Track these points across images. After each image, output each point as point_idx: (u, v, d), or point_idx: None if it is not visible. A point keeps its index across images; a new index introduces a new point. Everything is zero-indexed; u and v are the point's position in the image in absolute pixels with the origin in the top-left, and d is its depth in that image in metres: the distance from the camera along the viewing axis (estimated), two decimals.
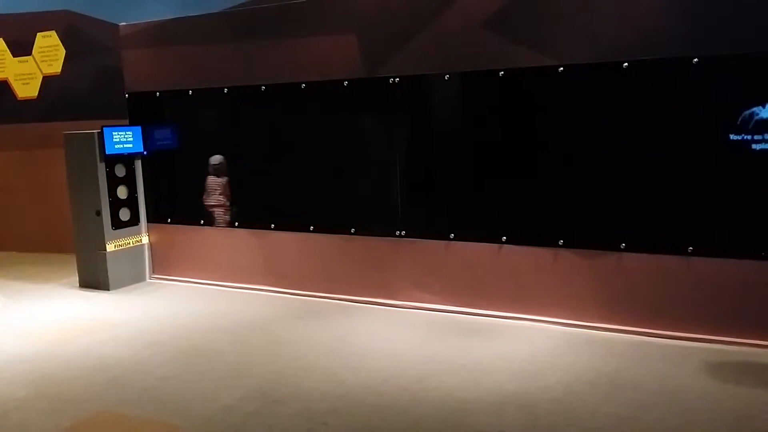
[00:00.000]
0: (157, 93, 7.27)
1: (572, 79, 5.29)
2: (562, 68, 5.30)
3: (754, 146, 4.76)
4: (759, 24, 4.67)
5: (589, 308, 5.43)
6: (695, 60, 4.85)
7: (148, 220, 7.53)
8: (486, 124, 5.70)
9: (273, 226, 6.80)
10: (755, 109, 4.70)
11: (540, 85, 5.45)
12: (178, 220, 7.38)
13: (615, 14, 5.09)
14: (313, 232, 6.59)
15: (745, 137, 4.78)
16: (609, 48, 5.13)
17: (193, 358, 5.11)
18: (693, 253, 5.04)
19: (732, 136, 4.81)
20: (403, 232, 6.14)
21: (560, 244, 5.49)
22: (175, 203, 7.42)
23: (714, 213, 4.96)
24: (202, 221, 7.22)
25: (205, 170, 7.10)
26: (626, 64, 5.08)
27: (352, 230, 6.37)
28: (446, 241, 5.96)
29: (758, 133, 4.74)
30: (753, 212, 4.84)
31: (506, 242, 5.70)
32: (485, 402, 4.17)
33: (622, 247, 5.27)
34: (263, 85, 6.61)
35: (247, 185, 6.94)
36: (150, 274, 7.60)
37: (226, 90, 6.83)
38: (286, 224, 6.73)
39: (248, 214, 6.96)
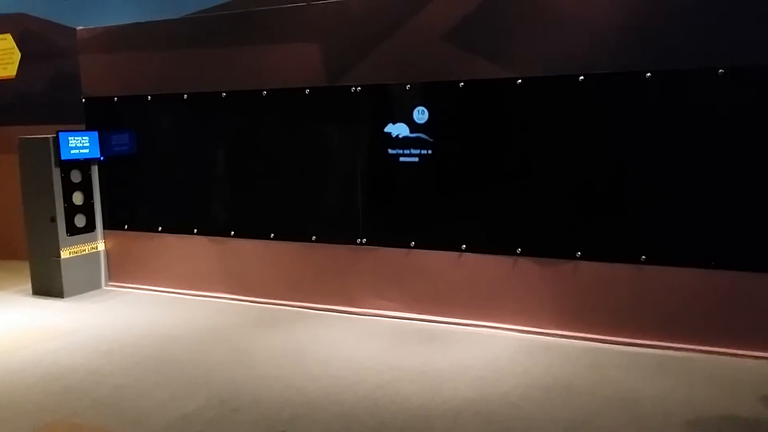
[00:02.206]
0: (115, 98, 7.17)
1: (530, 92, 5.41)
2: (520, 80, 5.41)
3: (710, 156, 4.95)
4: (710, 40, 4.85)
5: (546, 315, 5.53)
6: (648, 74, 5.01)
7: (105, 227, 7.40)
8: (445, 134, 5.77)
9: (233, 233, 6.76)
10: None
11: (499, 96, 5.55)
12: (135, 227, 7.27)
13: (572, 29, 5.22)
14: (273, 239, 6.56)
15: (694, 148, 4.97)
16: (566, 61, 5.26)
17: (150, 366, 5.04)
18: (646, 262, 5.18)
19: (681, 148, 4.99)
20: (364, 240, 6.16)
21: (518, 252, 5.59)
22: (132, 210, 7.31)
23: (666, 224, 5.10)
24: (160, 228, 7.13)
25: (164, 177, 7.04)
26: (582, 77, 5.21)
27: (313, 238, 6.37)
28: (407, 249, 6.00)
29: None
30: (703, 223, 5.00)
31: (466, 250, 5.78)
32: (443, 408, 4.21)
33: (577, 255, 5.39)
34: (224, 92, 6.58)
35: (207, 192, 6.88)
36: (106, 282, 7.47)
37: (185, 96, 6.78)
38: (246, 231, 6.70)
39: (207, 221, 6.90)
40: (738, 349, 4.98)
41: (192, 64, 6.71)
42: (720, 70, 4.81)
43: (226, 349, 5.40)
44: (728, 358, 4.95)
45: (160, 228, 7.13)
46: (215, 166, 6.81)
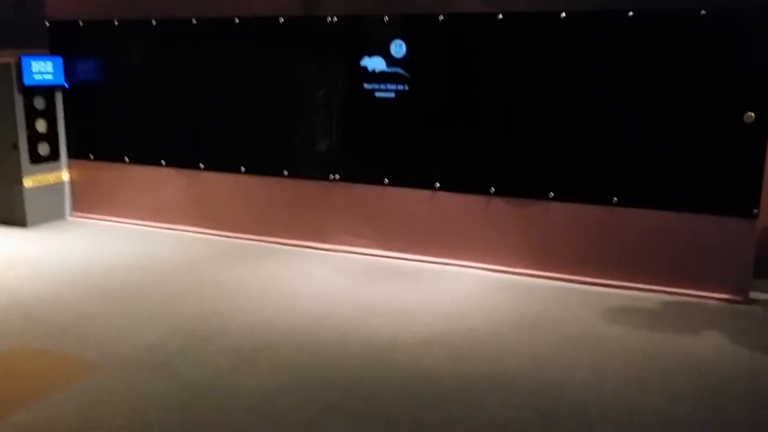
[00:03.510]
0: (80, 22, 6.87)
1: (511, 27, 5.29)
2: (501, 15, 5.29)
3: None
4: None
5: (517, 255, 5.56)
6: (630, 13, 4.92)
7: (69, 156, 7.20)
8: (423, 70, 5.64)
9: (203, 165, 6.62)
10: None
11: (479, 32, 5.41)
12: (101, 157, 7.09)
13: None
14: (244, 173, 6.45)
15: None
16: None
17: (116, 296, 4.97)
18: (617, 204, 5.20)
19: (657, 91, 4.96)
20: (338, 176, 6.08)
21: (492, 192, 5.57)
22: (98, 139, 7.10)
23: (639, 166, 5.10)
24: (127, 158, 6.95)
25: (132, 106, 6.83)
26: (564, 14, 5.10)
27: (285, 173, 6.27)
28: (380, 186, 5.94)
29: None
30: (674, 166, 5.01)
31: (439, 189, 5.73)
32: (411, 342, 4.23)
33: (550, 196, 5.38)
34: (194, 18, 6.33)
35: (176, 123, 6.69)
36: (70, 212, 7.31)
37: (154, 22, 6.51)
38: (217, 164, 6.56)
39: (176, 152, 6.73)
40: (701, 290, 5.07)
41: None
42: (702, 11, 4.74)
43: (193, 281, 5.34)
44: (691, 299, 5.05)
45: (126, 158, 6.96)
46: (184, 97, 6.59)
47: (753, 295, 5.04)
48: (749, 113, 4.73)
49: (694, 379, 3.80)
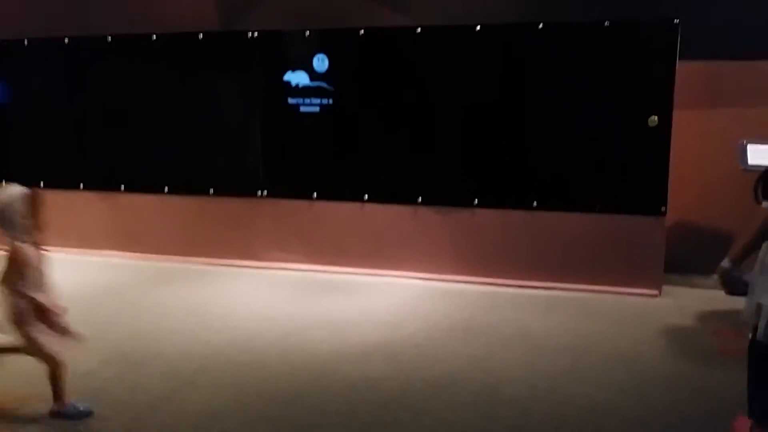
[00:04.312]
0: None
1: (429, 41, 5.47)
2: (419, 29, 5.46)
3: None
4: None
5: (446, 262, 5.72)
6: (540, 26, 5.20)
7: None
8: (346, 83, 5.74)
9: (123, 187, 6.44)
10: None
11: (399, 45, 5.57)
12: (13, 182, 6.76)
13: None
14: (168, 193, 6.33)
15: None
16: (464, 11, 5.36)
17: None
18: (537, 208, 5.45)
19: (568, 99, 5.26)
20: (265, 192, 6.07)
21: (419, 201, 5.71)
22: (8, 164, 6.78)
23: (556, 172, 5.38)
24: (42, 184, 6.67)
25: (46, 129, 6.57)
26: (478, 27, 5.32)
27: (211, 191, 6.21)
28: (309, 201, 5.98)
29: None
30: (588, 171, 5.32)
31: (368, 201, 5.83)
32: (352, 353, 4.28)
33: (475, 203, 5.58)
34: (109, 36, 6.18)
35: (94, 145, 6.49)
36: None
37: (66, 40, 6.32)
38: (138, 185, 6.41)
39: (95, 175, 6.52)
40: (618, 287, 5.37)
41: (74, 5, 6.24)
42: (606, 23, 5.07)
43: (122, 306, 5.20)
44: (610, 296, 5.34)
45: (41, 184, 6.67)
46: (102, 117, 6.42)
47: (665, 288, 5.39)
48: (653, 117, 5.08)
49: (620, 369, 4.03)
